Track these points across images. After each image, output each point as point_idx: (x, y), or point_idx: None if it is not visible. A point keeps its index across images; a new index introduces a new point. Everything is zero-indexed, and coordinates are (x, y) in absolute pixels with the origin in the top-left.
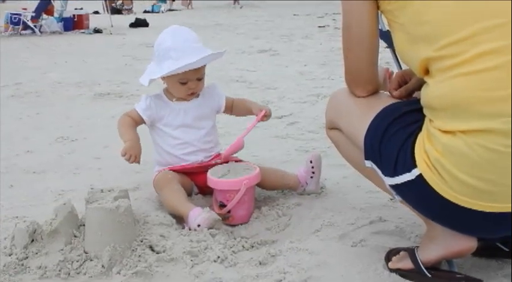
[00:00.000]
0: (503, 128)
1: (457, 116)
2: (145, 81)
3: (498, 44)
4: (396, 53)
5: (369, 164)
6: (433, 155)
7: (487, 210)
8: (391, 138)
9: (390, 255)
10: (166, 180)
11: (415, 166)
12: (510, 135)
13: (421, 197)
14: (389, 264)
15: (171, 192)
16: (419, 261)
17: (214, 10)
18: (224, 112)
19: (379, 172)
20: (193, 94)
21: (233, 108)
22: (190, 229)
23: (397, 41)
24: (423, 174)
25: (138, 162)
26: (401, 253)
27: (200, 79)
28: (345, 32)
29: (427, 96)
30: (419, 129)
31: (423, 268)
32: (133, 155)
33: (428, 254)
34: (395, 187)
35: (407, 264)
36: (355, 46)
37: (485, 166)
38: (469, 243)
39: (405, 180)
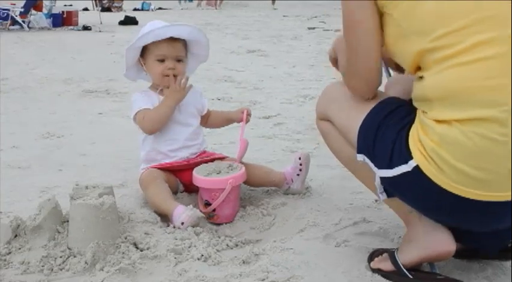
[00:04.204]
0: (501, 117)
1: (453, 105)
2: (125, 69)
3: (494, 34)
4: (387, 49)
5: (361, 157)
6: (429, 145)
7: (482, 199)
8: (386, 131)
9: (373, 256)
10: (152, 179)
11: (411, 157)
12: (507, 124)
13: (417, 188)
14: (371, 264)
15: (156, 190)
16: (399, 263)
17: (243, 10)
18: (201, 119)
19: (372, 166)
20: (172, 77)
21: (210, 118)
22: (174, 227)
23: (390, 36)
24: (420, 165)
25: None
26: (384, 255)
27: (180, 60)
28: (352, 31)
29: (421, 88)
30: (413, 121)
31: (404, 269)
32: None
33: (408, 256)
34: (389, 180)
35: (388, 265)
36: (365, 42)
37: (481, 155)
38: (448, 246)
39: (402, 171)
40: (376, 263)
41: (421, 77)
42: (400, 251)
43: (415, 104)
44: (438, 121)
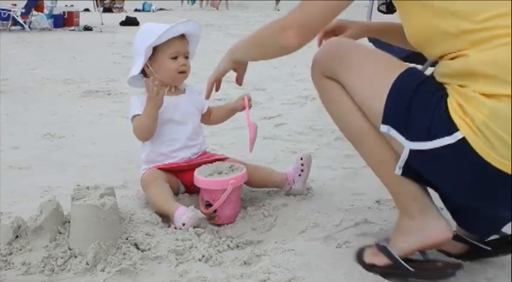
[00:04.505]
0: None
1: (504, 81)
2: (135, 71)
3: None
4: (410, 36)
5: (385, 128)
6: (479, 118)
7: None
8: (422, 101)
9: (361, 254)
10: (153, 179)
11: (456, 129)
12: None
13: (457, 162)
14: (365, 258)
15: (158, 191)
16: (395, 255)
17: (245, 11)
18: (202, 117)
19: (401, 138)
20: (184, 73)
21: (212, 114)
22: (175, 228)
23: (419, 19)
24: (467, 138)
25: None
26: (373, 249)
27: (187, 57)
28: None
29: (464, 64)
30: (445, 94)
31: (401, 261)
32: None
33: (403, 246)
34: (422, 153)
35: (382, 260)
36: None
37: None
38: (444, 233)
39: (443, 144)
40: (369, 257)
41: (455, 57)
42: (393, 242)
43: (447, 79)
44: (485, 95)
